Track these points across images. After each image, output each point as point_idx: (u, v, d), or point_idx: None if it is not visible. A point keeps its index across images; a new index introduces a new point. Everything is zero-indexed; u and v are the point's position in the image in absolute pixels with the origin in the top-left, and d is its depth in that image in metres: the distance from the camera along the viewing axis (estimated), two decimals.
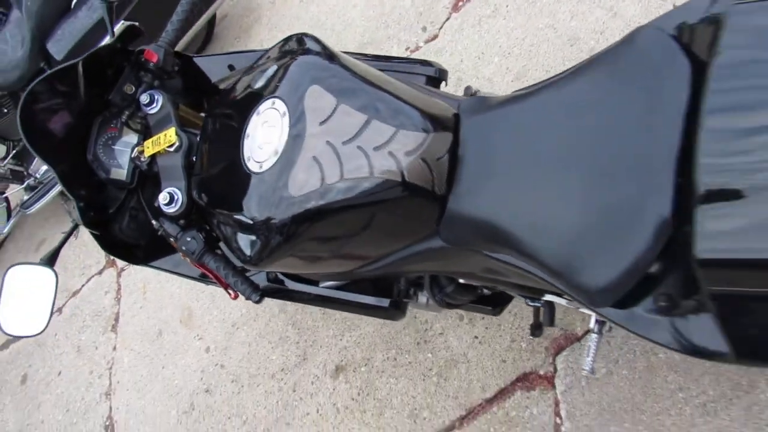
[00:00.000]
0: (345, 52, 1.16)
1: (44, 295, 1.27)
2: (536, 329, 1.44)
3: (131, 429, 2.43)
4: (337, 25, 2.78)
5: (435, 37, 2.41)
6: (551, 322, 1.31)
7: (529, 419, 1.62)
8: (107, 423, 2.52)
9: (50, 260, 1.30)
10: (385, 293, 1.32)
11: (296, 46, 1.12)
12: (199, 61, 1.56)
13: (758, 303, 0.71)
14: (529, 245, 0.88)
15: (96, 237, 1.32)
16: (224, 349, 2.31)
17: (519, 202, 0.92)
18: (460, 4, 2.39)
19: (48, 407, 2.77)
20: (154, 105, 1.29)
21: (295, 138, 0.97)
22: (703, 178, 0.68)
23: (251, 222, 1.01)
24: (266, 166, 1.00)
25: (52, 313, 1.28)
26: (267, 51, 1.24)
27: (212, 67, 1.58)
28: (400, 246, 1.06)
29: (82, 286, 2.97)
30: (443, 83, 1.37)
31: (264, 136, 1.03)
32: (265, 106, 1.05)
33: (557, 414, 1.58)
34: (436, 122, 0.99)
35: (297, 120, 0.98)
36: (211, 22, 3.28)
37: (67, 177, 1.23)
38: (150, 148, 1.27)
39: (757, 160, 0.67)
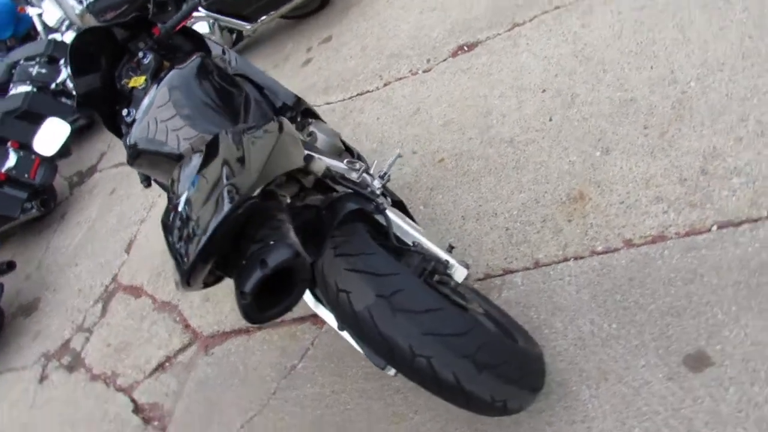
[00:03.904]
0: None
1: (61, 136, 2.31)
2: None
3: (140, 246, 3.60)
4: (390, 32, 3.51)
5: (429, 70, 3.05)
6: None
7: (302, 339, 2.40)
8: (132, 238, 3.73)
9: (72, 121, 2.34)
10: None
11: (186, 59, 1.96)
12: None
13: None
14: None
15: (101, 118, 2.32)
16: None
17: None
18: (459, 53, 3.00)
19: (113, 214, 4.08)
20: (145, 59, 2.22)
21: (147, 109, 1.84)
22: None
23: (128, 145, 1.92)
24: (138, 118, 1.89)
25: (60, 147, 2.33)
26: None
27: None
28: None
29: None
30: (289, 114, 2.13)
31: (145, 102, 1.91)
32: (154, 88, 1.92)
33: (312, 343, 2.35)
34: (210, 130, 1.78)
35: (151, 101, 1.84)
36: None
37: (87, 90, 2.22)
38: (132, 82, 2.22)
39: None
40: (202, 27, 4.16)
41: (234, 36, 4.33)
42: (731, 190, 1.77)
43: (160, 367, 2.80)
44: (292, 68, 3.98)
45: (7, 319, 3.89)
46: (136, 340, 3.03)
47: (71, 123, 2.33)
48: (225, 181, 1.17)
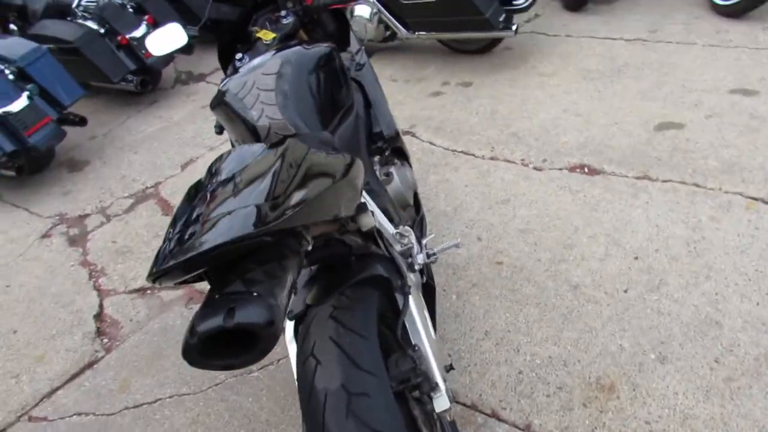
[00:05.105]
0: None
1: (174, 45, 2.28)
2: None
3: (196, 169, 3.59)
4: (526, 112, 3.35)
5: (540, 170, 2.87)
6: None
7: (273, 350, 2.27)
8: (193, 158, 3.73)
9: (192, 36, 2.31)
10: None
11: (320, 40, 1.88)
12: None
13: None
14: None
15: (218, 48, 2.28)
16: None
17: None
18: (577, 170, 2.80)
19: (192, 128, 4.11)
20: (285, 19, 2.16)
21: (254, 68, 1.76)
22: None
23: (219, 88, 1.85)
24: (242, 71, 1.81)
25: (167, 54, 2.30)
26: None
27: None
28: None
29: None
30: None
31: (256, 61, 1.83)
32: (273, 51, 1.84)
33: (279, 360, 2.22)
34: (295, 122, 1.67)
35: (261, 63, 1.76)
36: (494, 42, 4.05)
37: (218, 17, 2.18)
38: (261, 34, 2.16)
39: None
40: (363, 9, 4.12)
41: (387, 33, 4.28)
42: None
43: (141, 290, 2.74)
44: (420, 93, 3.87)
45: (53, 164, 3.96)
46: (138, 252, 2.99)
47: (191, 37, 2.30)
48: (259, 197, 1.04)
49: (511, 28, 3.69)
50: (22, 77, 3.50)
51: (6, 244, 3.26)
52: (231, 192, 1.10)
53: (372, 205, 1.57)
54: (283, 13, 2.16)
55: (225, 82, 1.85)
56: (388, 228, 1.55)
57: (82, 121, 3.86)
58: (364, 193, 1.61)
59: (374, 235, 1.56)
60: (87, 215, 3.40)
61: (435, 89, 3.88)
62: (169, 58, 4.47)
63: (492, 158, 3.04)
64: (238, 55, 2.09)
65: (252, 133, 1.69)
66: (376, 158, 2.05)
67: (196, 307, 2.56)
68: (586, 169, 2.79)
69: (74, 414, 2.18)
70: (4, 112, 3.35)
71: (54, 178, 3.86)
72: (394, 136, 2.03)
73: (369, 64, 2.23)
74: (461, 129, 3.36)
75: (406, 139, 3.31)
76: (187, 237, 0.99)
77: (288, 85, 1.71)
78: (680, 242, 2.27)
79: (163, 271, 0.95)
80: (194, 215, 1.08)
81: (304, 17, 2.21)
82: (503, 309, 2.18)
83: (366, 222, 1.39)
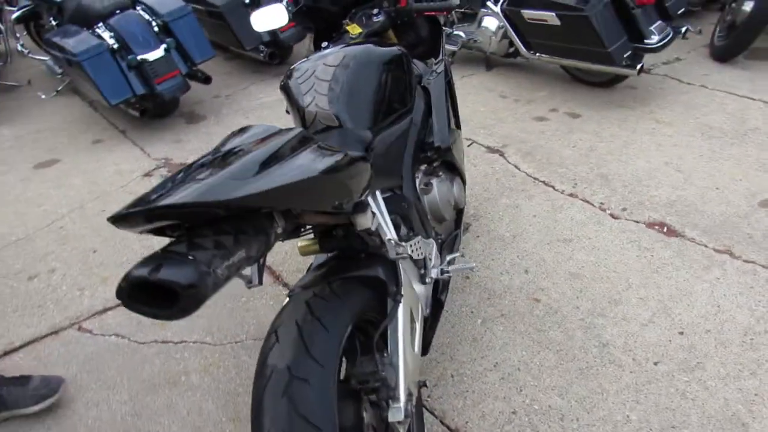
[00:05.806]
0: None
1: (273, 24, 2.42)
2: None
3: None
4: (624, 156, 3.17)
5: (617, 218, 2.71)
6: None
7: None
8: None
9: (291, 16, 2.45)
10: None
11: (405, 44, 1.94)
12: None
13: None
14: None
15: (314, 32, 2.40)
16: None
17: None
18: (655, 227, 2.62)
19: None
20: (377, 17, 2.23)
21: (320, 57, 1.84)
22: None
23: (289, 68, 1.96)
24: (312, 58, 1.90)
25: (265, 32, 2.45)
26: None
27: None
28: None
29: None
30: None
31: (325, 52, 1.91)
32: (340, 46, 1.91)
33: None
34: (341, 116, 1.72)
35: (327, 54, 1.83)
36: (618, 78, 3.85)
37: (315, 4, 2.30)
38: (350, 27, 2.24)
39: None
40: (491, 22, 4.10)
41: (511, 50, 4.22)
42: None
43: None
44: (524, 114, 3.79)
45: (175, 113, 4.36)
46: None
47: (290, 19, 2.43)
48: (237, 172, 1.10)
49: (635, 67, 3.49)
50: (165, 30, 3.90)
51: (114, 175, 3.66)
52: (221, 162, 1.18)
53: (379, 208, 1.59)
54: (375, 11, 2.23)
55: (295, 65, 1.97)
56: (387, 233, 1.56)
57: (207, 80, 4.21)
58: (378, 195, 1.64)
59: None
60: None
61: (540, 114, 3.77)
62: (301, 35, 4.71)
63: (571, 195, 2.92)
64: (324, 44, 2.21)
65: (301, 117, 1.78)
66: (423, 167, 2.07)
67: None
68: (665, 229, 2.60)
69: (113, 334, 2.42)
70: (142, 59, 3.74)
71: (172, 125, 4.25)
72: (445, 149, 2.03)
73: (445, 76, 2.24)
74: (551, 159, 3.25)
75: (492, 158, 3.28)
76: (155, 192, 1.08)
77: (344, 78, 1.78)
78: (737, 329, 2.06)
79: (120, 217, 1.04)
80: (179, 175, 1.17)
81: (396, 18, 2.27)
82: (522, 346, 2.11)
83: (361, 222, 1.42)
